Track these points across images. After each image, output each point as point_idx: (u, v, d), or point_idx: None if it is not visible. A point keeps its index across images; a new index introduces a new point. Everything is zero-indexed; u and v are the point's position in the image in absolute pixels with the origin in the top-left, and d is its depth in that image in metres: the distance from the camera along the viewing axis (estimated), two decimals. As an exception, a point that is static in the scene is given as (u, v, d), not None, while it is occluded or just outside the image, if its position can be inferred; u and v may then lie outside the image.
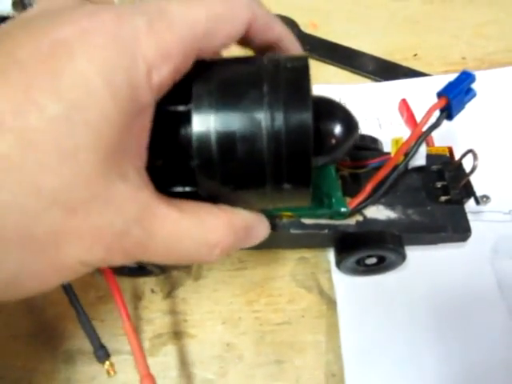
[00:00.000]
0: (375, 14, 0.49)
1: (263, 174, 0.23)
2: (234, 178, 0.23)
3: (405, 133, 0.39)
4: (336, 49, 0.46)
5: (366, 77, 0.44)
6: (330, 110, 0.25)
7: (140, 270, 0.30)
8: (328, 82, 0.43)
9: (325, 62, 0.45)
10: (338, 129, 0.25)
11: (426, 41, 0.46)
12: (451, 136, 0.37)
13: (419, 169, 0.31)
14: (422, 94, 0.42)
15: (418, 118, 0.38)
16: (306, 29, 0.48)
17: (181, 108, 0.23)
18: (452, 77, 0.43)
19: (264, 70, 0.23)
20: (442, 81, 0.43)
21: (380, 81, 0.43)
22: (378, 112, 0.40)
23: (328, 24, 0.48)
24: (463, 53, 0.45)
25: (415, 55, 0.45)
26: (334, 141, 0.25)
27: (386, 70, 0.43)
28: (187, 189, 0.24)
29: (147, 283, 0.32)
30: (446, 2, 0.50)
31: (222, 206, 0.22)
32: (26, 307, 0.31)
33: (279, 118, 0.22)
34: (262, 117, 0.22)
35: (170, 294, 0.31)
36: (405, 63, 0.44)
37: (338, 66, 0.45)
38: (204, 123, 0.22)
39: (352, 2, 0.50)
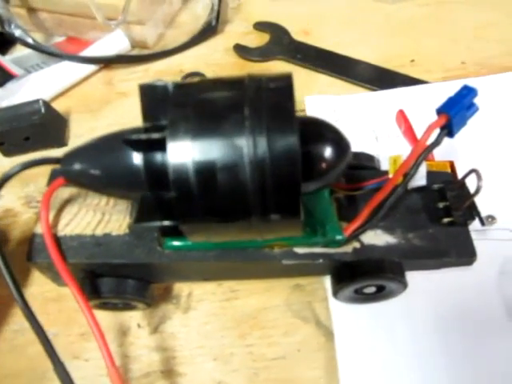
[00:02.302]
0: (369, 19, 0.47)
1: (248, 205, 0.21)
2: (216, 211, 0.21)
3: (403, 146, 0.37)
4: (329, 57, 0.44)
5: (361, 86, 0.42)
6: (319, 131, 0.23)
7: (124, 304, 0.29)
8: (321, 92, 0.41)
9: (318, 71, 0.43)
10: (328, 152, 0.23)
11: (423, 46, 0.44)
12: (451, 149, 0.35)
13: (419, 188, 0.29)
14: (421, 104, 0.40)
15: (417, 129, 0.37)
16: (298, 36, 0.46)
17: (155, 136, 0.21)
18: (451, 84, 0.41)
19: (245, 92, 0.21)
20: (441, 88, 0.41)
21: (376, 90, 0.41)
22: (375, 123, 0.38)
23: (320, 31, 0.46)
24: (463, 57, 0.43)
25: (412, 61, 0.43)
26: (324, 165, 0.23)
27: (382, 79, 0.41)
28: (166, 223, 0.23)
29: (133, 317, 0.30)
30: (444, 4, 0.48)
31: None
32: (8, 346, 0.30)
33: (262, 144, 0.20)
34: (244, 143, 0.20)
35: (157, 328, 0.29)
36: (402, 70, 0.42)
37: (332, 76, 0.43)
38: (180, 152, 0.20)
39: (345, 6, 0.48)
